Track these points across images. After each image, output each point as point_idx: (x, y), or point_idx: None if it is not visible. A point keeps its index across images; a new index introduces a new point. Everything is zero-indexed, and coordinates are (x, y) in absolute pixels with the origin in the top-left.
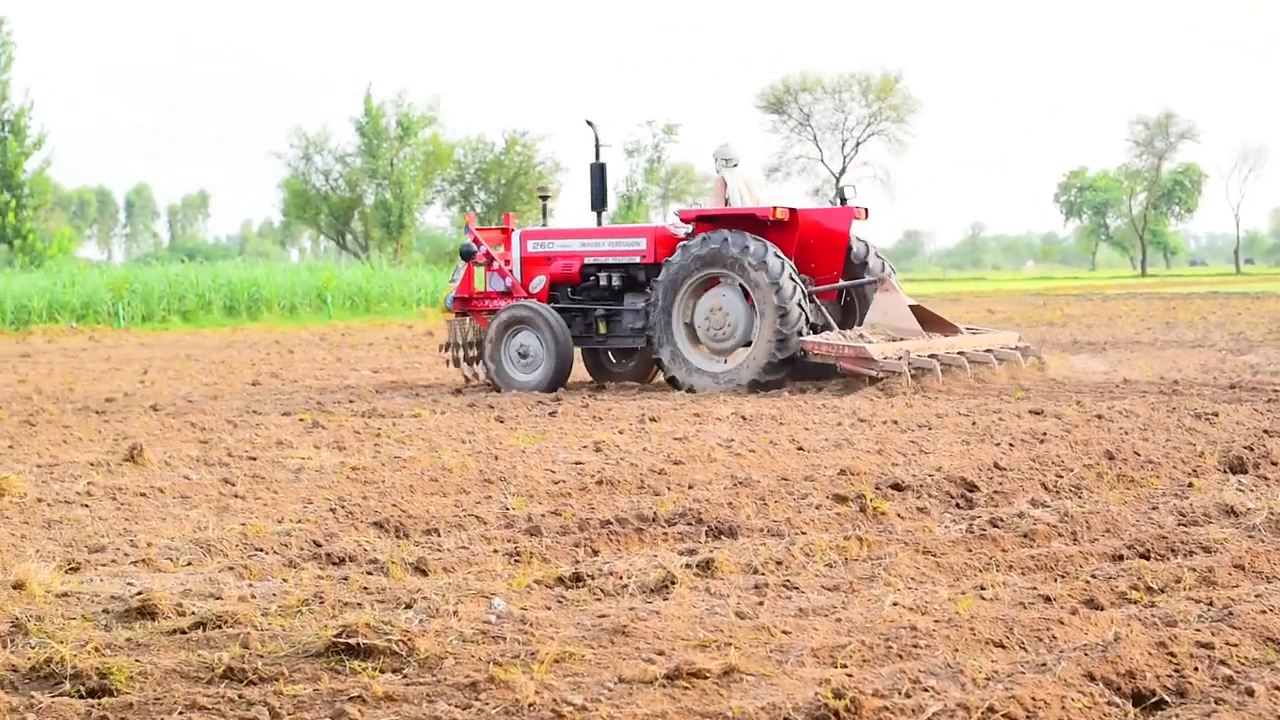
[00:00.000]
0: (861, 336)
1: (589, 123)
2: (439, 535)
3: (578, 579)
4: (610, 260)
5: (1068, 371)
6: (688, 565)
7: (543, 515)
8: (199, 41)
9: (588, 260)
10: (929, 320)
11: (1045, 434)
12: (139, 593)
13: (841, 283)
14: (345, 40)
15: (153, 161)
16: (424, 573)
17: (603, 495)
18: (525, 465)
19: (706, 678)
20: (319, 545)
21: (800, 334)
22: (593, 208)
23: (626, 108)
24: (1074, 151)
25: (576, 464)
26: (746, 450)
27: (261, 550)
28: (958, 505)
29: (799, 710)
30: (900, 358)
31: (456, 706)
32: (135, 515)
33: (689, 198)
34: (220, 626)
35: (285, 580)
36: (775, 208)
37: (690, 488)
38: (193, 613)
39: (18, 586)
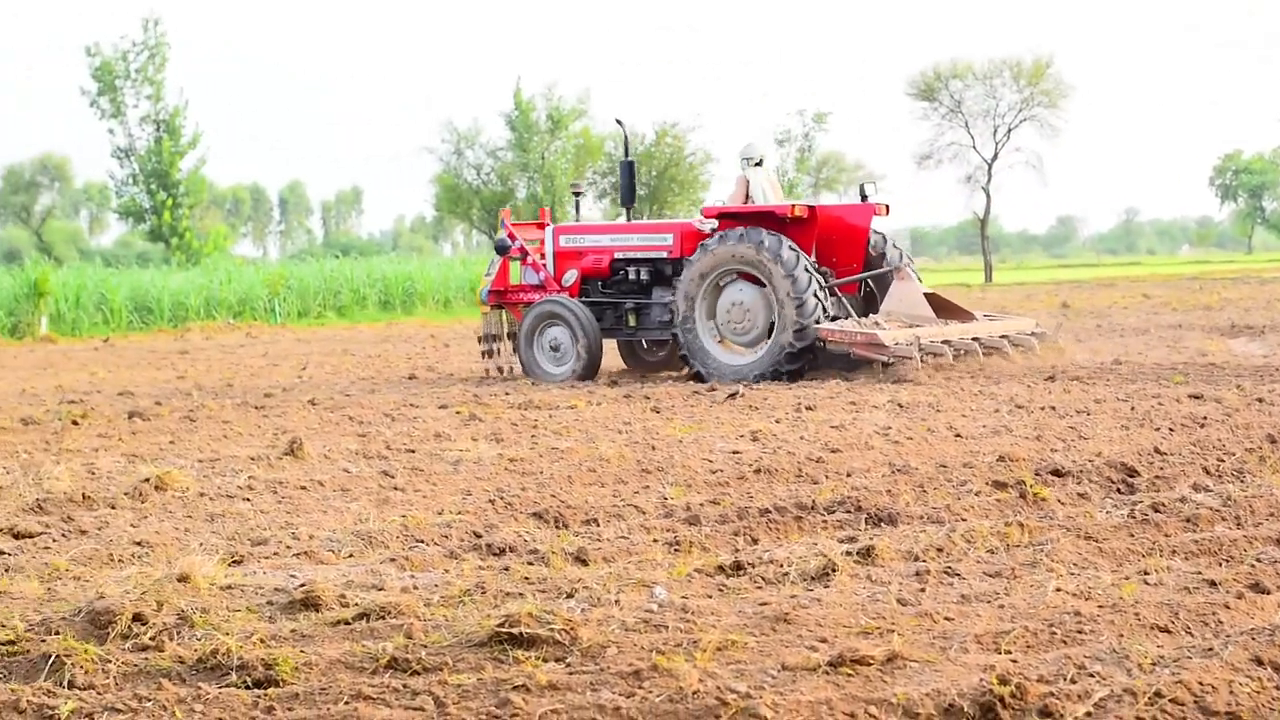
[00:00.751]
0: (876, 324)
1: (618, 121)
2: (598, 525)
3: (738, 567)
4: (639, 255)
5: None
6: (848, 553)
7: (701, 504)
8: (351, 38)
9: (617, 255)
10: (944, 308)
11: (1205, 418)
12: (302, 584)
13: (859, 275)
14: (495, 34)
15: (306, 158)
16: (584, 562)
17: (761, 484)
18: (683, 455)
19: (870, 664)
20: (479, 536)
21: (818, 323)
22: (621, 204)
23: (780, 98)
24: (1229, 134)
25: (734, 453)
26: (904, 438)
27: (422, 542)
28: (1118, 490)
29: (964, 696)
30: (911, 344)
31: (620, 695)
32: (296, 508)
33: (841, 187)
34: (383, 617)
35: (447, 571)
36: (794, 205)
37: (848, 475)
38: (356, 604)
39: (183, 579)
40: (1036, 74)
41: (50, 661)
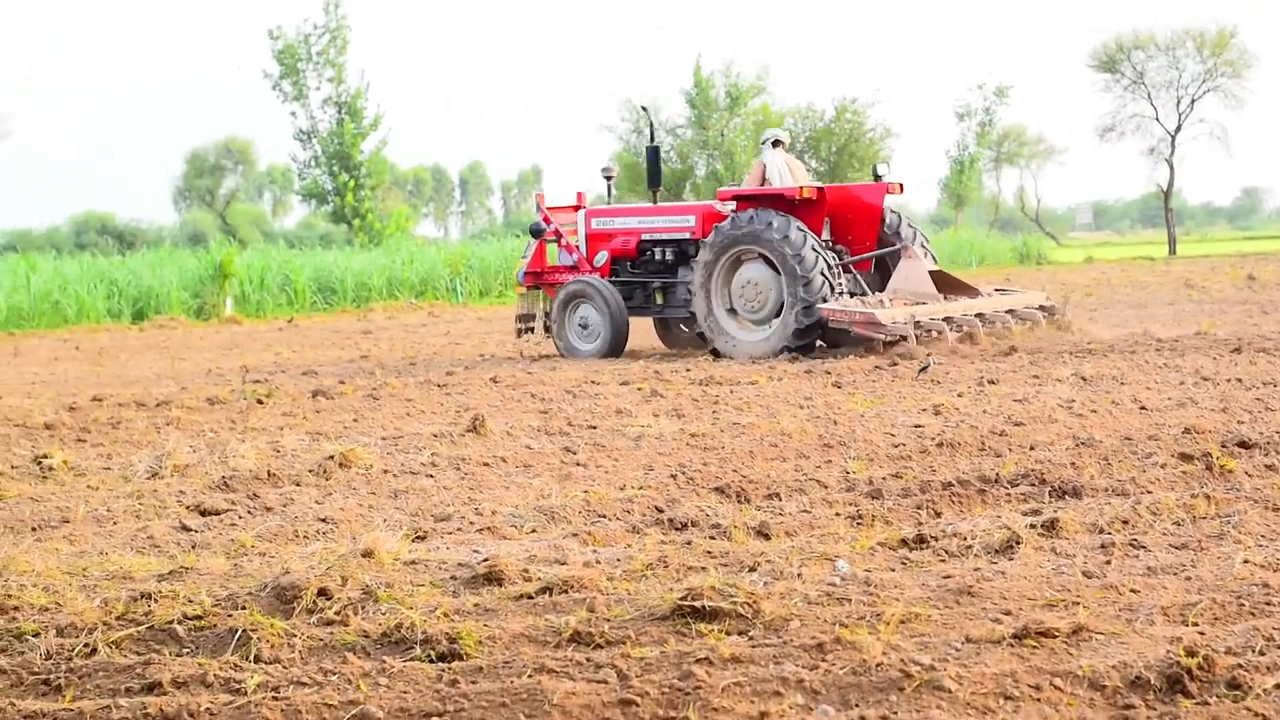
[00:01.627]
0: (881, 302)
1: (643, 109)
2: (780, 499)
3: (921, 540)
4: (664, 236)
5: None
6: (1032, 525)
7: (884, 478)
8: (528, 18)
9: (644, 236)
10: (951, 285)
11: None
12: (485, 559)
13: (870, 253)
14: (675, 11)
15: (486, 138)
16: (766, 536)
17: (943, 457)
18: (864, 429)
19: (1055, 637)
20: (661, 511)
21: (824, 301)
22: (649, 186)
23: (961, 71)
24: None
25: (916, 427)
26: (1088, 411)
27: (604, 517)
28: None
29: (1150, 668)
30: (906, 322)
31: (803, 667)
32: (479, 484)
33: (1021, 161)
34: (566, 591)
35: (629, 545)
36: (802, 187)
37: (1032, 449)
38: (539, 578)
39: (367, 555)
40: (1220, 44)
41: (237, 636)
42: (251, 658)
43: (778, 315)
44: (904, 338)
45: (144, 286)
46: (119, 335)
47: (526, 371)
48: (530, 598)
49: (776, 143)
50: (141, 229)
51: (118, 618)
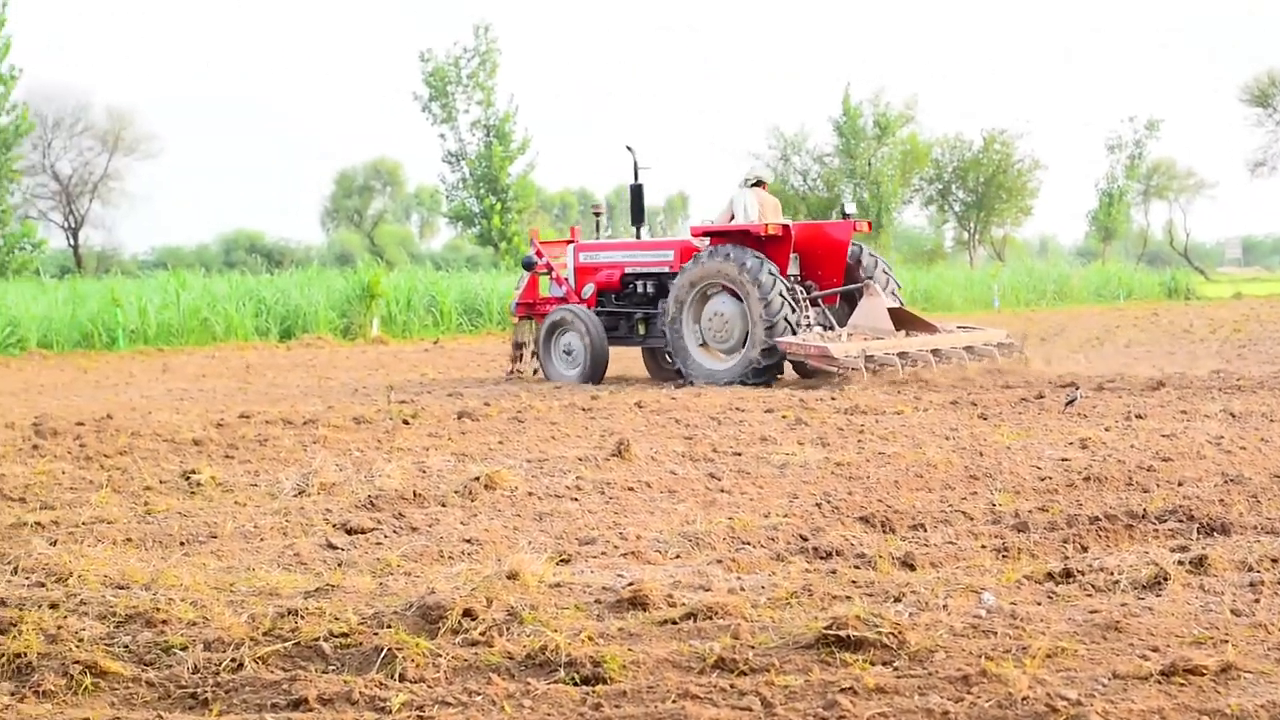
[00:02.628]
0: (839, 337)
1: (628, 148)
2: (925, 530)
3: (1067, 574)
4: (645, 270)
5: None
6: (1180, 562)
7: (1030, 511)
8: (676, 44)
9: (627, 270)
10: (910, 321)
11: None
12: (630, 584)
13: (834, 289)
14: (823, 39)
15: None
16: (911, 567)
17: (1090, 491)
18: (1010, 461)
19: (1203, 674)
20: (805, 539)
21: (787, 333)
22: (633, 223)
23: (1112, 103)
24: None
25: (1062, 460)
26: (1237, 447)
27: (749, 544)
28: None
29: None
30: (858, 356)
31: (949, 699)
32: (623, 509)
33: (1171, 194)
34: (710, 618)
35: (773, 573)
36: (766, 224)
37: (1180, 484)
38: (683, 604)
39: (512, 577)
40: None
41: (382, 655)
42: (396, 676)
43: (744, 345)
44: (855, 369)
45: (292, 305)
46: (266, 353)
47: (671, 397)
48: (674, 623)
49: (759, 182)
50: (290, 248)
51: (264, 633)
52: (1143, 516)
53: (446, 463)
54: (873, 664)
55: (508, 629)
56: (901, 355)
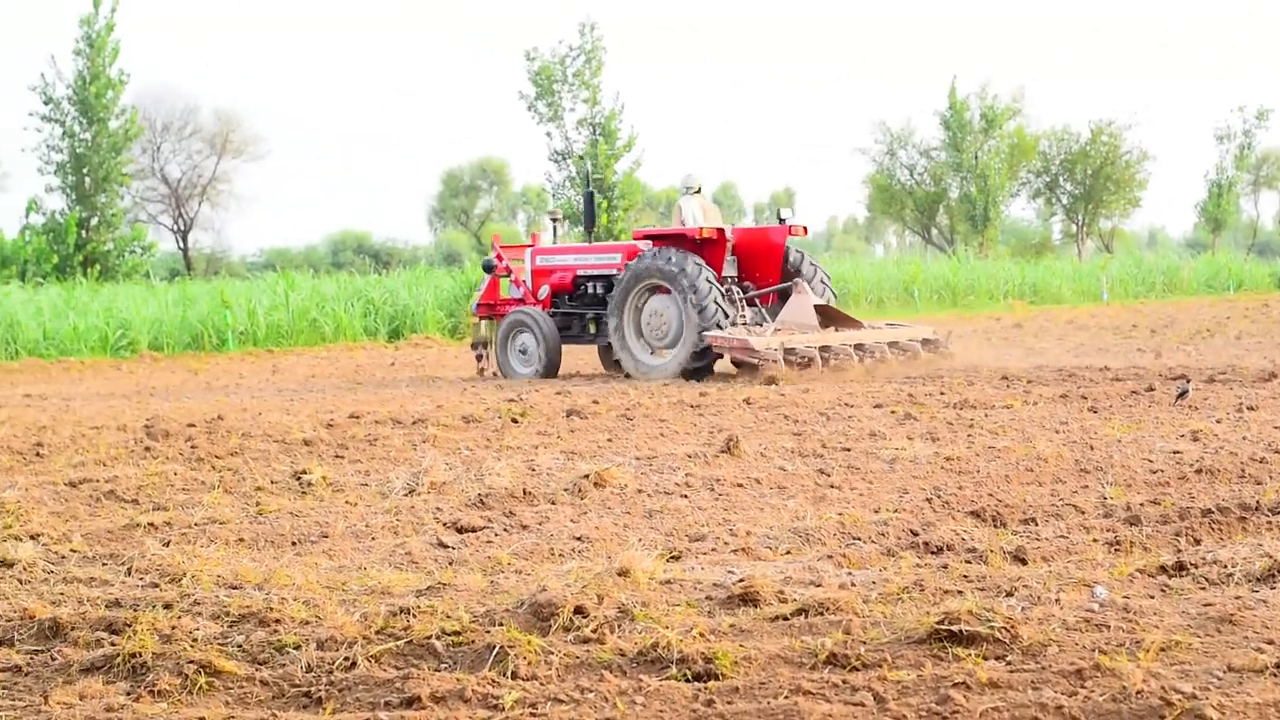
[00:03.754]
0: (764, 332)
1: (581, 157)
2: (1036, 524)
3: (1180, 568)
4: (595, 272)
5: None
6: None
7: (1141, 504)
8: (782, 40)
9: (579, 272)
10: (838, 318)
11: None
12: (740, 580)
13: (767, 288)
14: (930, 33)
15: (739, 160)
16: (1023, 561)
17: (1202, 484)
18: (1121, 455)
19: None
20: (916, 534)
21: (718, 329)
22: (585, 229)
23: (1222, 93)
24: None
25: (1174, 453)
26: None
27: (859, 539)
28: None
29: None
30: (777, 349)
31: (1062, 693)
32: (733, 505)
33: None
34: (822, 613)
35: (884, 568)
36: (701, 228)
37: None
38: (794, 600)
39: (622, 574)
40: None
41: (494, 652)
42: (509, 674)
43: (680, 341)
44: (775, 362)
45: (400, 305)
46: (375, 353)
47: (779, 393)
48: (785, 619)
49: (699, 190)
50: (396, 248)
51: (377, 632)
52: (1256, 509)
53: (556, 461)
54: (985, 659)
55: (619, 626)
56: (823, 349)
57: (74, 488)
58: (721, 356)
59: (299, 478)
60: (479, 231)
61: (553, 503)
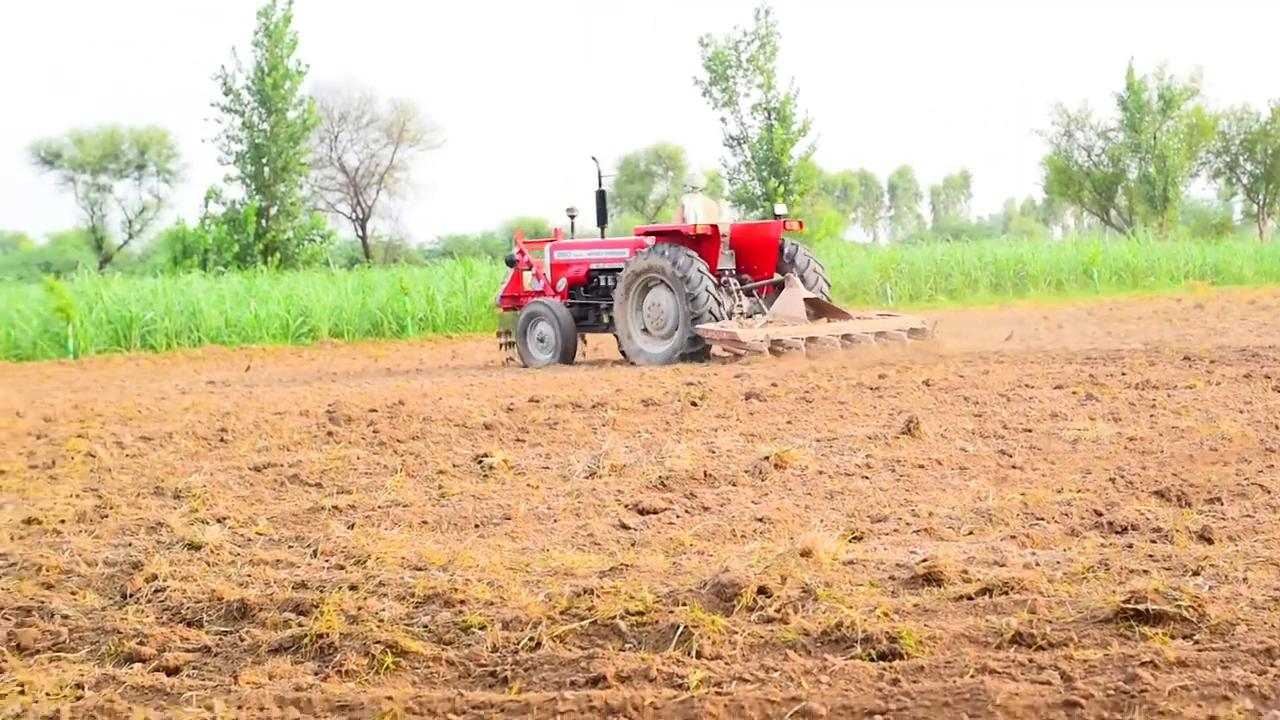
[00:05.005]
0: (754, 324)
1: (593, 158)
2: (1222, 504)
3: None
4: (606, 265)
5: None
6: None
7: None
8: (956, 20)
9: (592, 266)
10: (828, 310)
11: None
12: (923, 560)
13: (761, 282)
14: (1106, 14)
15: (914, 143)
16: (1209, 541)
17: None
18: None
19: None
20: (1100, 514)
21: (712, 320)
22: (597, 224)
23: None
24: None
25: None
26: None
27: (1042, 519)
28: None
29: None
30: (762, 340)
31: (1252, 672)
32: (914, 486)
33: None
34: (1006, 593)
35: (1068, 548)
36: (695, 225)
37: None
38: (978, 579)
39: (805, 554)
40: None
41: (679, 632)
42: (693, 653)
43: (677, 331)
44: (759, 352)
45: None
46: None
47: (959, 375)
48: (970, 599)
49: (702, 188)
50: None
51: (561, 612)
52: None
53: (736, 443)
54: (1173, 638)
55: (803, 606)
56: (810, 340)
57: (258, 472)
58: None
59: (480, 461)
60: (654, 217)
61: (733, 484)
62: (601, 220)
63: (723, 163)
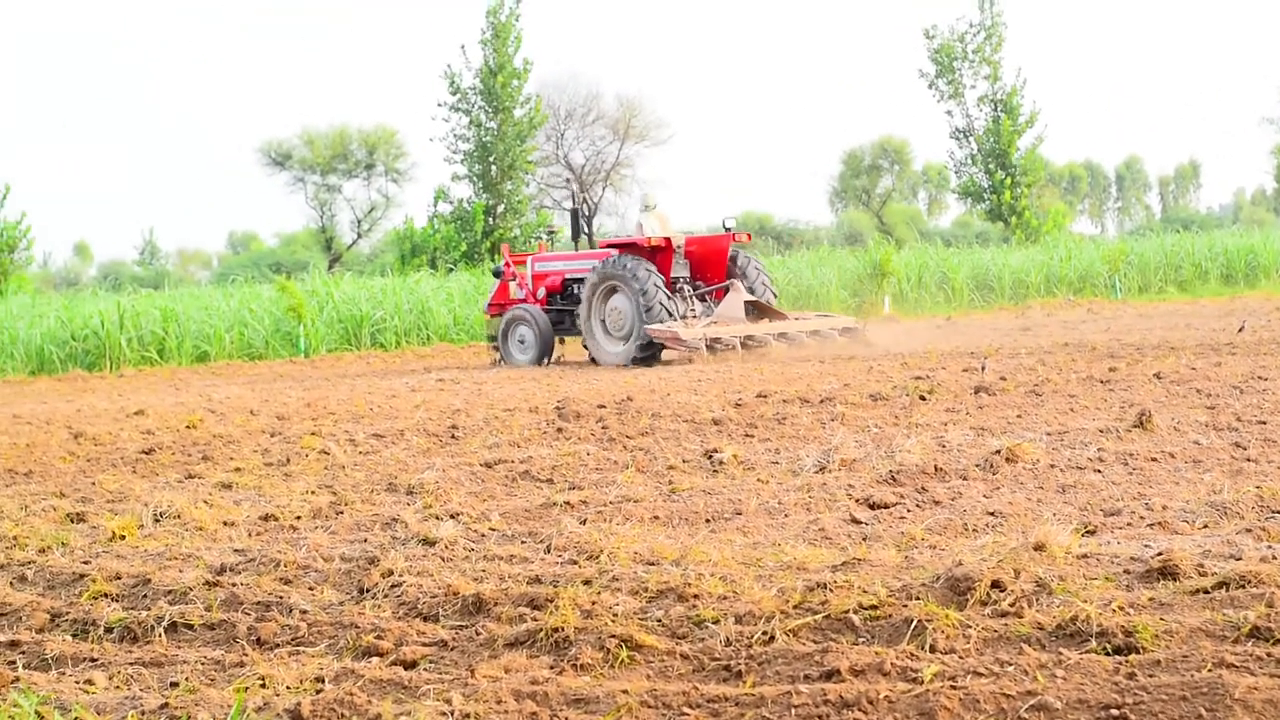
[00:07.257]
0: (698, 324)
1: (568, 180)
2: None
3: None
4: (577, 275)
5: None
6: None
7: None
8: (1183, 6)
9: (566, 275)
10: (768, 312)
11: None
12: (1158, 554)
13: (710, 287)
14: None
15: (1143, 134)
16: None
17: None
18: None
19: None
20: None
21: (661, 323)
22: (572, 239)
23: None
24: None
25: None
26: None
27: (1278, 513)
28: None
29: None
30: (700, 339)
31: None
32: (1147, 479)
33: None
34: (1243, 586)
35: None
36: (650, 238)
37: None
38: (1214, 573)
39: (1038, 548)
40: None
41: (912, 626)
42: (927, 647)
43: (633, 333)
44: (698, 349)
45: (804, 285)
46: None
47: (1190, 368)
48: (1206, 592)
49: (655, 206)
50: (798, 229)
51: (794, 606)
52: None
53: (966, 437)
54: None
55: (1036, 599)
56: (747, 338)
57: (490, 468)
58: (665, 346)
59: (710, 456)
60: (880, 211)
61: (964, 478)
62: (575, 235)
63: (950, 155)
